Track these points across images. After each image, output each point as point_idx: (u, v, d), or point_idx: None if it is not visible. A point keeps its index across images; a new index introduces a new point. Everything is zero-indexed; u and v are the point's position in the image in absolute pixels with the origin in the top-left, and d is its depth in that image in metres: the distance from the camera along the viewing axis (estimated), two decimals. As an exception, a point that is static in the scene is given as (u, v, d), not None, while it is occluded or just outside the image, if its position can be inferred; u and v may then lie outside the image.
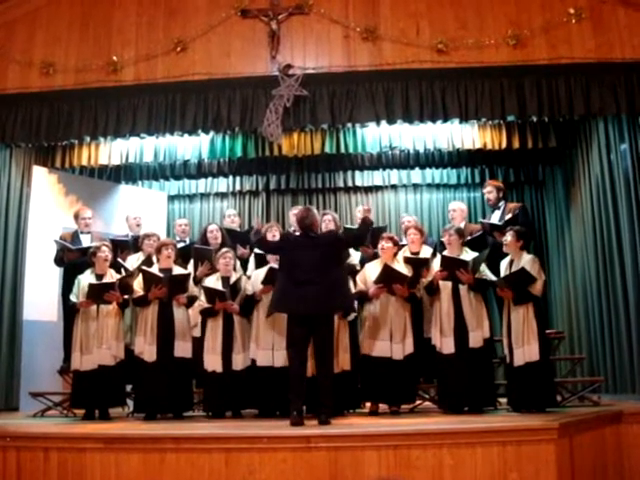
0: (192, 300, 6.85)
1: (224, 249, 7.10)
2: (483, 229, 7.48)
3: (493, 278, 6.49)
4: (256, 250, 7.30)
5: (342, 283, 6.01)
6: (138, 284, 6.79)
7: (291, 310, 5.84)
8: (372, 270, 6.68)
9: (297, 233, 6.44)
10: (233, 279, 6.83)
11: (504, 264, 6.48)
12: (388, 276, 6.48)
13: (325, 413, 5.51)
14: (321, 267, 5.77)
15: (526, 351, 6.10)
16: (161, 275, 6.69)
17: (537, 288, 6.21)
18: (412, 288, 6.58)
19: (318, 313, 5.73)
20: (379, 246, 6.81)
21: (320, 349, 5.80)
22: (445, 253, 6.64)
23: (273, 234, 7.22)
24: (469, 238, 7.23)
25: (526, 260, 6.31)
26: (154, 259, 7.20)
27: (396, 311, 6.53)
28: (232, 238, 7.79)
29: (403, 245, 7.21)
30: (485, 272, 6.54)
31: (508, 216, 7.35)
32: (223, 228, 8.02)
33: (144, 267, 6.87)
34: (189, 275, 6.98)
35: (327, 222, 7.35)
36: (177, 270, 6.92)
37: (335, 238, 6.16)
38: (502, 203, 7.72)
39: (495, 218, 7.62)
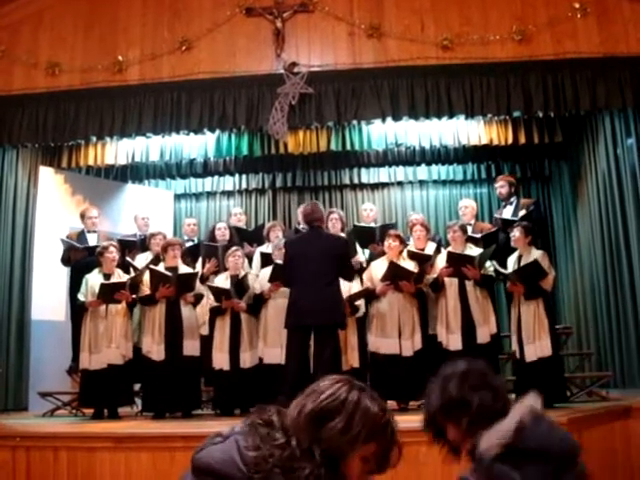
0: (199, 298, 6.86)
1: (234, 247, 7.10)
2: (498, 227, 7.47)
3: (504, 272, 6.46)
4: (261, 249, 7.31)
5: (339, 296, 6.01)
6: (145, 283, 6.80)
7: (292, 323, 5.83)
8: (378, 268, 6.68)
9: (301, 229, 6.39)
10: (241, 277, 6.84)
11: (512, 260, 6.47)
12: (394, 273, 6.48)
13: None
14: (323, 271, 5.75)
15: (538, 346, 6.08)
16: (169, 274, 6.70)
17: (548, 283, 6.20)
18: (418, 284, 6.57)
19: (319, 324, 5.71)
20: (385, 244, 6.80)
21: (321, 353, 5.75)
22: (450, 249, 6.63)
23: (276, 234, 7.22)
24: (481, 235, 7.23)
25: (536, 255, 6.30)
26: (161, 257, 7.23)
27: (404, 307, 6.52)
28: (240, 236, 7.80)
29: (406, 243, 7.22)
30: (492, 268, 6.53)
31: (522, 212, 7.35)
32: (232, 227, 8.03)
33: (152, 266, 6.88)
34: (197, 274, 6.99)
35: (334, 221, 7.34)
36: (183, 268, 6.93)
37: (343, 248, 6.10)
38: (514, 198, 7.73)
39: (507, 213, 7.62)
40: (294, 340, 5.72)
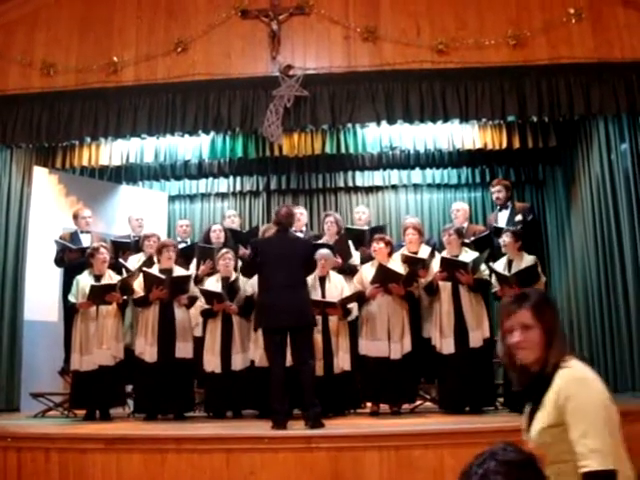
0: (193, 300, 6.86)
1: (224, 250, 7.11)
2: (490, 230, 7.48)
3: (505, 274, 6.43)
4: None
5: (309, 298, 6.01)
6: (139, 285, 6.79)
7: (268, 324, 5.73)
8: (368, 271, 6.70)
9: (272, 231, 6.39)
10: (232, 280, 6.83)
11: (501, 265, 6.47)
12: (383, 276, 6.49)
13: (313, 417, 5.37)
14: (292, 274, 5.71)
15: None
16: (162, 276, 6.70)
17: (540, 287, 6.22)
18: (408, 286, 6.57)
19: (296, 326, 5.64)
20: (372, 247, 6.81)
21: (299, 354, 5.68)
22: (444, 254, 6.64)
23: None
24: (473, 238, 7.23)
25: (529, 260, 6.32)
26: (155, 259, 7.21)
27: (393, 310, 6.53)
28: (234, 238, 7.80)
29: (401, 245, 7.22)
30: (487, 272, 6.53)
31: (518, 217, 7.36)
32: (227, 229, 8.03)
33: (145, 268, 6.87)
34: (190, 276, 6.99)
35: (329, 224, 7.35)
36: (178, 271, 6.93)
37: (309, 251, 6.11)
38: (509, 203, 7.75)
39: (503, 217, 7.62)
40: (274, 342, 5.67)
